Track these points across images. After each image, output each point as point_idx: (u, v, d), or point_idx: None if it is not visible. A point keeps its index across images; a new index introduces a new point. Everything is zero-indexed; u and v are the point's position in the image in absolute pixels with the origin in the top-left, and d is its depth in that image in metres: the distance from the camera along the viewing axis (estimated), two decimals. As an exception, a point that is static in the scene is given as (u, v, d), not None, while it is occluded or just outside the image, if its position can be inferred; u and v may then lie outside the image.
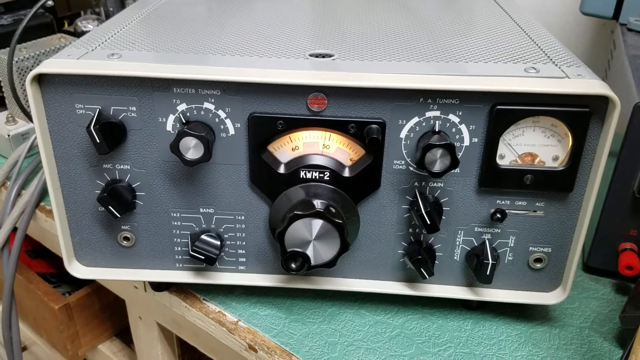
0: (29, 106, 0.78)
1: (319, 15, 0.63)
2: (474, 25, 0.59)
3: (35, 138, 0.78)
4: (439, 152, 0.45)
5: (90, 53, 0.49)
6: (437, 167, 0.46)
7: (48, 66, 0.46)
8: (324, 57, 0.50)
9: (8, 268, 0.71)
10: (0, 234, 0.70)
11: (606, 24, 0.89)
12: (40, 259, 0.95)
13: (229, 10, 0.63)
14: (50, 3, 0.88)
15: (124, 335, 0.86)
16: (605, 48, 0.90)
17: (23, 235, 0.70)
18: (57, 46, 0.81)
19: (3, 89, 0.81)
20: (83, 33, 0.86)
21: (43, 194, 0.72)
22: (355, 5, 0.67)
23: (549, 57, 0.50)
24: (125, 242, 0.53)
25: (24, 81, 0.79)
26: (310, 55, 0.50)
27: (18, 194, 0.73)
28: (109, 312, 0.83)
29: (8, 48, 0.79)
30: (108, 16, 0.92)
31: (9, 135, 0.79)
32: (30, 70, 0.79)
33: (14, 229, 0.72)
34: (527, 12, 0.66)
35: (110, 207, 0.49)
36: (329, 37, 0.55)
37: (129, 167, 0.50)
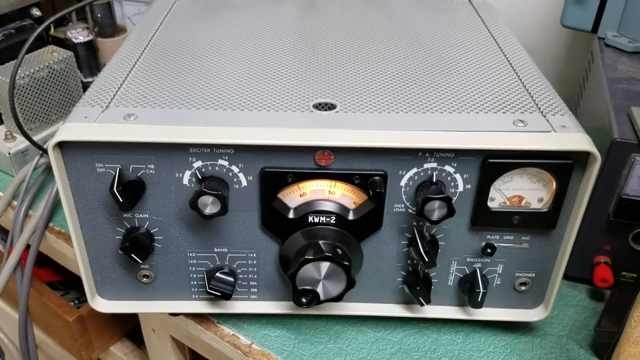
0: (27, 126, 0.80)
1: (315, 50, 0.65)
2: (464, 62, 0.62)
3: (40, 157, 0.80)
4: (436, 203, 0.49)
5: (105, 112, 0.51)
6: (435, 216, 0.50)
7: (68, 134, 0.48)
8: (327, 107, 0.53)
9: (22, 287, 0.74)
10: (13, 255, 0.73)
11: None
12: (47, 267, 0.99)
13: (228, 44, 0.65)
14: (38, 13, 0.88)
15: (134, 335, 0.91)
16: (583, 51, 0.93)
17: (35, 256, 0.73)
18: (51, 60, 0.82)
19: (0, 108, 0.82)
20: (74, 45, 0.87)
21: (52, 214, 0.75)
22: (347, 39, 0.69)
23: (535, 102, 0.54)
24: (145, 279, 0.57)
25: (20, 99, 0.80)
26: (314, 106, 0.53)
27: (26, 214, 0.75)
28: (119, 316, 0.87)
29: (2, 66, 0.80)
30: (96, 24, 0.92)
31: (9, 154, 0.81)
32: (26, 88, 0.80)
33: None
34: (513, 35, 0.69)
35: (133, 255, 0.53)
36: (329, 82, 0.57)
37: (147, 216, 0.53)
